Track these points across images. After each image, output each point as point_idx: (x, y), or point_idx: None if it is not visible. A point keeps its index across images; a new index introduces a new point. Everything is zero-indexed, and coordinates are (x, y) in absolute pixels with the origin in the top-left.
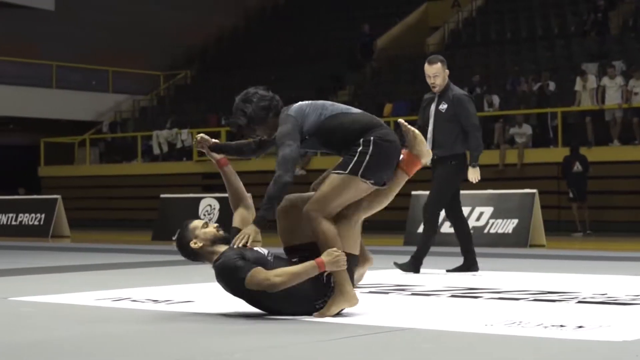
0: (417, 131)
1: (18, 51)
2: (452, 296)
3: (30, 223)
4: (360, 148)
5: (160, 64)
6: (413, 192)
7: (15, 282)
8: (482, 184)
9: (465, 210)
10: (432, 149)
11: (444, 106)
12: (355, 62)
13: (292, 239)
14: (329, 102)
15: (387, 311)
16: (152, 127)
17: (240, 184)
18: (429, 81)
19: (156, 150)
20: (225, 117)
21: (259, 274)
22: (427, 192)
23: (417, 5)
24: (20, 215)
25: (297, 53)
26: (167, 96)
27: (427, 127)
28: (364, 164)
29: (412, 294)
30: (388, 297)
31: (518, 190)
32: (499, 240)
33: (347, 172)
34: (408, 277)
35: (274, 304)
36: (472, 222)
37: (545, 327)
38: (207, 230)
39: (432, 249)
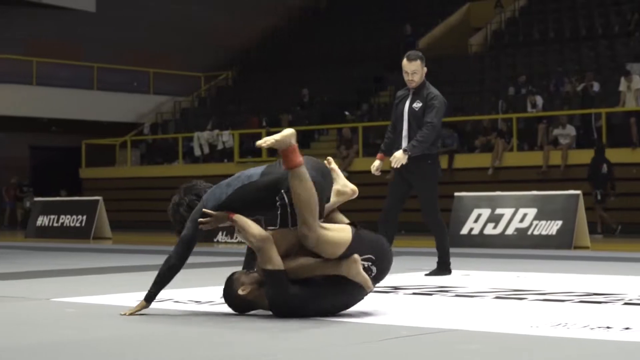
0: (336, 168)
1: (59, 53)
2: (497, 298)
3: (72, 225)
4: (279, 202)
5: (202, 65)
6: (456, 194)
7: (58, 283)
8: (526, 185)
9: (509, 211)
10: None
11: (418, 104)
12: (397, 63)
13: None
14: (231, 179)
15: (431, 313)
16: (193, 129)
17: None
18: (407, 78)
19: (197, 152)
20: (267, 121)
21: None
22: (470, 193)
23: (459, 5)
24: (62, 216)
25: (338, 54)
26: (209, 97)
27: (401, 124)
28: (289, 215)
29: (456, 296)
30: (432, 298)
31: (562, 191)
32: (543, 242)
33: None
34: (452, 279)
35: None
36: (515, 224)
37: (592, 328)
38: (252, 274)
39: (477, 250)
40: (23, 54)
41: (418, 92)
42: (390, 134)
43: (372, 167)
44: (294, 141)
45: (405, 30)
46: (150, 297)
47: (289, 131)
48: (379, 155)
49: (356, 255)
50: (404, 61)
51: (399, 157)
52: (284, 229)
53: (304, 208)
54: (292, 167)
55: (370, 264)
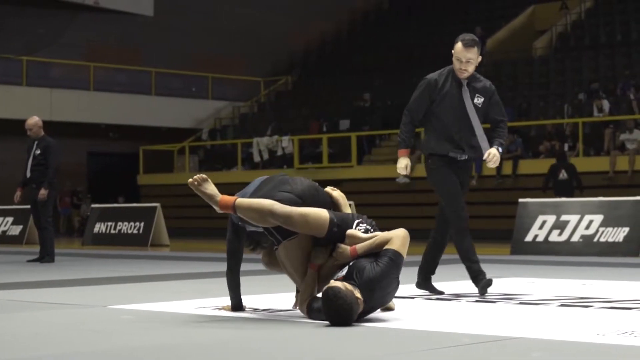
0: (340, 198)
1: (117, 58)
2: (562, 305)
3: (130, 232)
4: None
5: (261, 70)
6: (520, 200)
7: (115, 290)
8: (592, 191)
9: (574, 217)
10: (468, 148)
11: (479, 99)
12: None
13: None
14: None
15: (494, 320)
16: (253, 134)
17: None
18: (458, 66)
19: (256, 158)
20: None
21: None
22: (535, 200)
23: (523, 8)
24: (120, 223)
25: (401, 57)
26: (268, 102)
27: (463, 121)
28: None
29: (520, 303)
30: (495, 306)
31: (629, 197)
32: (609, 249)
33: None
34: (516, 286)
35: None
36: (581, 231)
37: None
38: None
39: (542, 258)
40: (81, 59)
41: (471, 84)
42: (411, 125)
43: (401, 166)
44: (210, 191)
45: (475, 32)
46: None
47: (207, 190)
48: (405, 150)
49: (350, 231)
50: (459, 46)
51: (498, 156)
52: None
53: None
54: (232, 210)
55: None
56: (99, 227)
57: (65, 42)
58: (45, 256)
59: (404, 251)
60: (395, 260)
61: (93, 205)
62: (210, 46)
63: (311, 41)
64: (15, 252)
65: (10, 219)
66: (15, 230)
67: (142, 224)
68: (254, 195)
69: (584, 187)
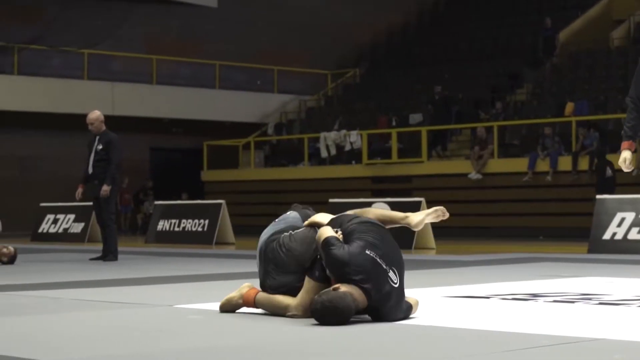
0: (315, 219)
1: (180, 50)
2: None
3: (194, 229)
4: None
5: (328, 63)
6: (598, 196)
7: (181, 290)
8: None
9: None
10: None
11: None
12: (535, 59)
13: None
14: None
15: (573, 321)
16: (320, 129)
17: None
18: None
19: (324, 153)
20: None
21: None
22: (613, 196)
23: None
24: (184, 221)
25: (472, 50)
26: (335, 96)
27: None
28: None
29: (600, 303)
30: (574, 306)
31: None
32: None
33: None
34: (594, 286)
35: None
36: None
37: None
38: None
39: (621, 256)
40: (143, 51)
41: None
42: (636, 113)
43: (621, 160)
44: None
45: (545, 24)
46: None
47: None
48: (628, 143)
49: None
50: None
51: None
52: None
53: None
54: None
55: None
56: (163, 225)
57: (126, 34)
58: (109, 254)
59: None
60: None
61: (156, 203)
62: (276, 38)
63: (379, 32)
64: (77, 250)
65: (71, 217)
66: (77, 228)
67: (206, 221)
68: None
69: None
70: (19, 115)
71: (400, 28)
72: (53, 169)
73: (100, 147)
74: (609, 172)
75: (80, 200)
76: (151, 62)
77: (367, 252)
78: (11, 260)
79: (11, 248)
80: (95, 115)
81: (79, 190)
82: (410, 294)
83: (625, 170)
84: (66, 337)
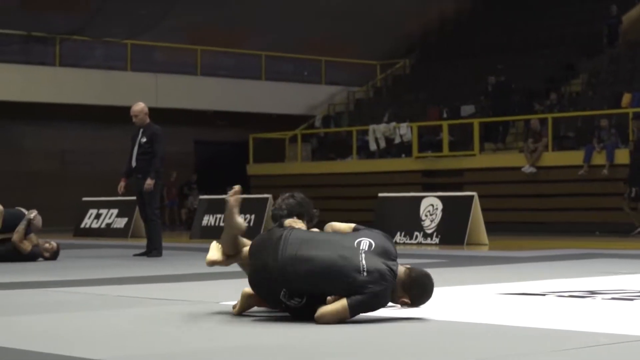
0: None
1: (224, 41)
2: None
3: None
4: None
5: (377, 53)
6: None
7: (226, 286)
8: None
9: None
10: None
11: None
12: (593, 48)
13: None
14: None
15: (632, 319)
16: (368, 121)
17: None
18: None
19: (373, 146)
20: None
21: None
22: None
23: None
24: None
25: (526, 39)
26: (385, 87)
27: None
28: None
29: None
30: (633, 304)
31: None
32: None
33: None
34: None
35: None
36: None
37: None
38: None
39: None
40: (187, 42)
41: None
42: None
43: None
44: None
45: (610, 11)
46: None
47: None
48: None
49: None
50: None
51: None
52: None
53: None
54: None
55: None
56: (208, 220)
57: (169, 24)
58: (153, 250)
59: None
60: None
61: (201, 197)
62: (323, 28)
63: (430, 22)
64: (120, 246)
65: (114, 211)
66: (120, 223)
67: (252, 216)
68: None
69: None
70: (61, 108)
71: (452, 17)
72: (95, 163)
73: (144, 140)
74: None
75: (123, 195)
76: (195, 53)
77: None
78: (53, 255)
79: (54, 243)
80: (139, 107)
81: (122, 184)
82: (464, 290)
83: None
84: (111, 334)
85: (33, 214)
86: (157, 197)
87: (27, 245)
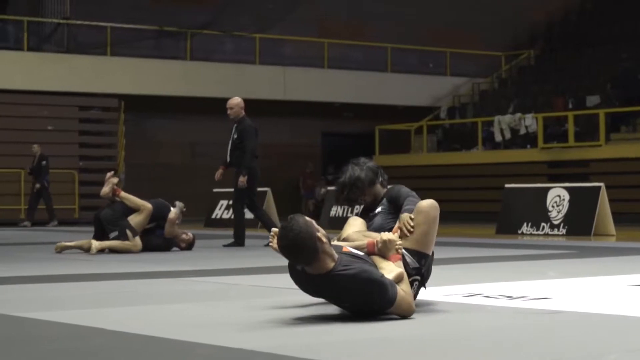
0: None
1: (351, 33)
2: None
3: None
4: None
5: (501, 44)
6: None
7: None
8: None
9: None
10: None
11: None
12: None
13: None
14: None
15: None
16: (493, 112)
17: None
18: None
19: (498, 137)
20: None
21: (405, 298)
22: None
23: None
24: (357, 207)
25: None
26: (509, 78)
27: None
28: None
29: None
30: None
31: None
32: None
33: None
34: None
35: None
36: None
37: None
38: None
39: None
40: (315, 35)
41: None
42: None
43: None
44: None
45: None
46: None
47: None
48: None
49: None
50: None
51: None
52: None
53: None
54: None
55: None
56: (336, 211)
57: (297, 17)
58: (236, 239)
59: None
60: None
61: (329, 188)
62: (448, 19)
63: (554, 12)
64: (250, 236)
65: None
66: (250, 213)
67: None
68: None
69: None
70: (192, 101)
71: (577, 7)
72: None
73: (235, 135)
74: None
75: (219, 182)
76: (323, 45)
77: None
78: (189, 246)
79: (190, 234)
80: (236, 101)
81: (219, 171)
82: (591, 282)
83: None
84: (252, 325)
85: (182, 205)
86: (243, 195)
87: (176, 231)
